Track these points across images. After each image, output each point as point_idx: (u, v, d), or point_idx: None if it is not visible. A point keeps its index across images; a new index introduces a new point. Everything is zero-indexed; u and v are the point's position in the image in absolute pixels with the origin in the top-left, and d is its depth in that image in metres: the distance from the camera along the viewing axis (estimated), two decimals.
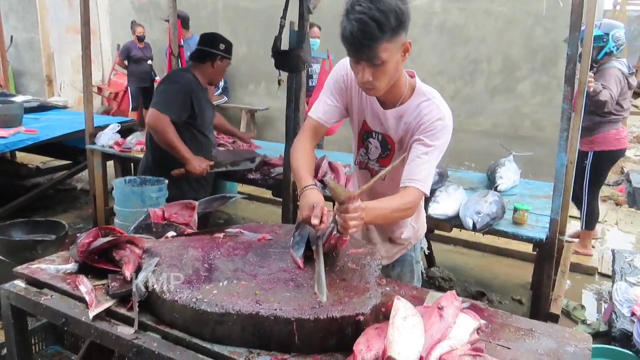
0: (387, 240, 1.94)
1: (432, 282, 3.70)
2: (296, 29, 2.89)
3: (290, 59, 2.87)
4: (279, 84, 3.06)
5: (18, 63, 9.81)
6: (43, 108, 5.53)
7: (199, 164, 2.87)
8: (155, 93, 2.89)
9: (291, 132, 3.03)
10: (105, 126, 4.28)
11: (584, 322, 3.19)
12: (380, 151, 1.77)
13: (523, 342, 1.39)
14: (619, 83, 3.73)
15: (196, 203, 1.88)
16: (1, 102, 4.83)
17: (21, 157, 6.09)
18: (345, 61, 1.68)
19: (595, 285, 3.85)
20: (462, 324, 1.35)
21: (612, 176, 6.70)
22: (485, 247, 4.22)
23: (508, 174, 3.25)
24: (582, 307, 3.36)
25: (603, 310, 3.35)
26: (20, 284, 1.60)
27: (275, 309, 1.25)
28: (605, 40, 3.68)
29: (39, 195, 4.87)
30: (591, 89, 3.50)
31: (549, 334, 1.43)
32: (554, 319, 2.65)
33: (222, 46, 3.02)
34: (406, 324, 1.24)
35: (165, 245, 1.60)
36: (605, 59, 3.79)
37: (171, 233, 1.72)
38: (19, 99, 5.44)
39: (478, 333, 1.40)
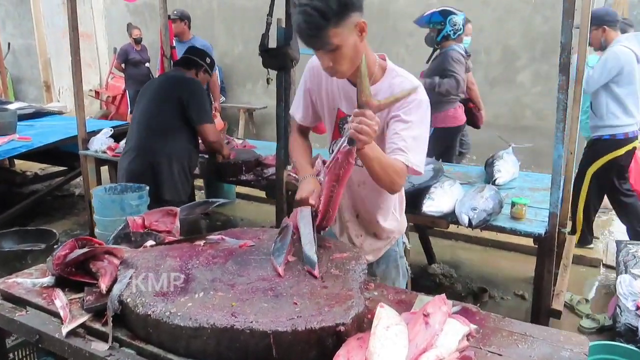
0: (371, 235, 1.89)
1: (433, 279, 3.64)
2: (284, 26, 2.82)
3: (277, 57, 2.80)
4: (268, 82, 3.00)
5: (16, 70, 9.82)
6: (38, 114, 5.50)
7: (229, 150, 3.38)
8: (198, 106, 2.94)
9: (282, 131, 2.97)
10: (99, 131, 4.24)
11: (588, 316, 3.11)
12: None
13: (516, 347, 1.32)
14: (462, 65, 3.97)
15: (178, 209, 1.82)
16: None
17: (20, 164, 6.08)
18: (312, 59, 1.76)
19: (600, 277, 3.77)
20: (450, 330, 1.28)
21: None
22: (486, 241, 4.14)
23: (506, 167, 3.17)
24: (586, 300, 3.28)
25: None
26: None
27: (252, 322, 1.19)
28: (443, 24, 3.96)
29: (36, 202, 4.85)
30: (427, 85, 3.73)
31: (543, 337, 1.37)
32: (556, 315, 2.59)
33: (208, 60, 3.22)
34: (388, 333, 1.18)
35: (143, 255, 1.55)
36: (445, 42, 4.03)
37: (150, 242, 1.67)
38: (13, 106, 5.42)
39: (468, 339, 1.33)
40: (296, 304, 1.27)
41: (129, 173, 2.88)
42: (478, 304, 1.56)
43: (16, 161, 5.92)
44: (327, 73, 1.62)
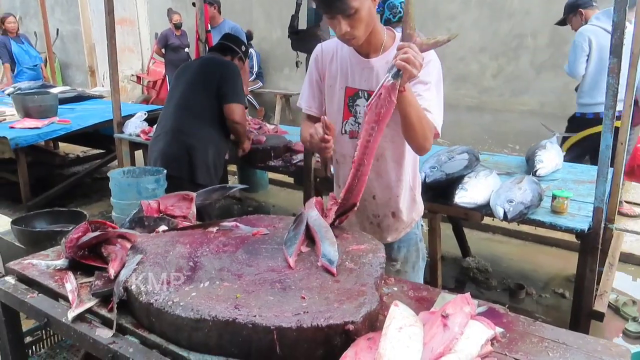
0: (389, 215, 1.84)
1: (467, 274, 3.48)
2: (314, 6, 2.72)
3: (307, 39, 2.71)
4: (297, 65, 2.91)
5: (64, 55, 10.14)
6: (80, 98, 5.64)
7: (249, 145, 3.31)
8: (231, 85, 2.91)
9: None
10: (135, 115, 4.28)
11: (635, 319, 2.89)
12: None
13: (546, 355, 1.20)
14: None
15: (194, 194, 1.77)
16: (37, 93, 4.94)
17: (63, 146, 6.26)
18: (317, 48, 1.81)
19: None
20: (472, 334, 1.17)
21: None
22: (526, 235, 3.92)
23: (549, 158, 2.96)
24: (634, 302, 3.05)
25: None
26: (10, 280, 1.55)
27: (255, 316, 1.12)
28: (382, 9, 3.97)
29: (75, 184, 4.98)
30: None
31: (578, 346, 1.23)
32: (598, 317, 2.41)
33: (243, 48, 3.16)
34: (401, 335, 1.08)
35: (153, 240, 1.50)
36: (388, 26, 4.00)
37: (162, 227, 1.62)
38: (55, 90, 5.56)
39: (492, 344, 1.22)
40: (304, 298, 1.19)
41: (164, 156, 2.84)
42: (507, 305, 1.42)
43: (60, 144, 6.10)
44: (344, 40, 1.61)
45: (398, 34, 1.67)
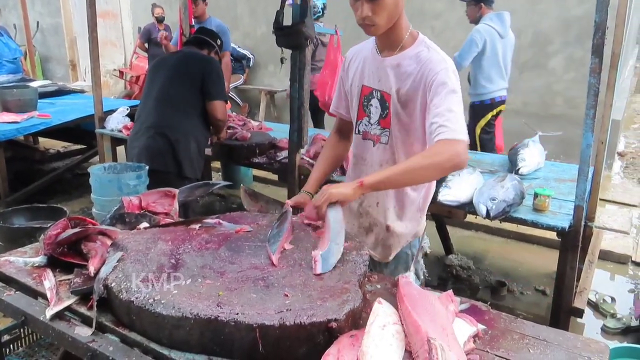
0: (385, 229, 1.74)
1: (450, 271, 3.50)
2: (299, 2, 2.70)
3: (292, 35, 2.69)
4: (282, 62, 2.89)
5: (45, 48, 9.94)
6: (60, 92, 5.53)
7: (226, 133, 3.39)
8: (216, 82, 2.89)
9: (296, 112, 2.87)
10: (117, 110, 4.21)
11: (613, 315, 2.94)
12: (380, 111, 1.67)
13: (527, 352, 1.21)
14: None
15: (176, 191, 1.75)
16: (16, 87, 4.84)
17: (44, 142, 6.13)
18: (350, 51, 1.79)
19: (628, 275, 3.58)
20: (455, 331, 1.18)
21: None
22: (508, 232, 3.96)
23: (531, 156, 3.00)
24: (612, 299, 3.11)
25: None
26: None
27: (237, 313, 1.11)
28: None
29: (56, 180, 4.89)
30: None
31: (558, 342, 1.25)
32: (577, 313, 2.45)
33: (219, 41, 3.18)
34: (384, 333, 1.08)
35: (134, 237, 1.48)
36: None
37: (144, 224, 1.60)
38: (35, 84, 5.45)
39: (474, 341, 1.23)
40: (287, 296, 1.19)
41: (148, 151, 2.79)
42: (489, 302, 1.43)
43: (40, 139, 5.98)
44: (362, 26, 1.53)
45: (421, 36, 1.62)
